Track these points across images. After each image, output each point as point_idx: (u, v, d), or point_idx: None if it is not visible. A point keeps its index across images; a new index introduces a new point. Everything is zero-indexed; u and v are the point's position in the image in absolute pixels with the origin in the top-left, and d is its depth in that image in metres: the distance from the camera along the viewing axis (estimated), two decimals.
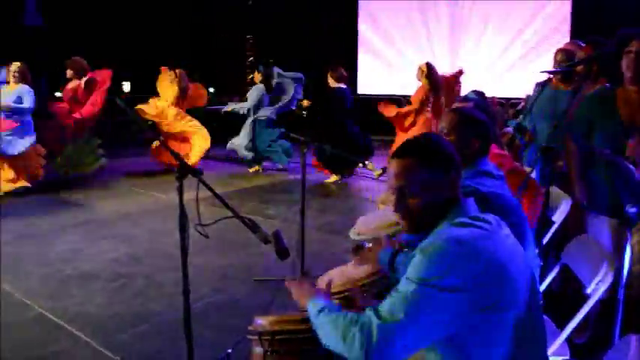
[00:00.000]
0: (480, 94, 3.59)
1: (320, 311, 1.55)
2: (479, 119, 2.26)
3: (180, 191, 2.04)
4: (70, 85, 7.61)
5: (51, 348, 3.21)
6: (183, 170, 2.05)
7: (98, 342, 3.26)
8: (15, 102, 6.61)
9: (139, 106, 7.93)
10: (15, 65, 6.86)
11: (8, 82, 6.76)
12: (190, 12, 12.50)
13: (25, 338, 3.33)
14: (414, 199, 1.54)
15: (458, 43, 11.34)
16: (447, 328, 1.39)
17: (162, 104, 8.06)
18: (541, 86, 3.86)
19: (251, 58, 12.96)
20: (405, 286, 1.40)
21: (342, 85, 7.75)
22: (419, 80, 7.14)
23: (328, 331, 1.48)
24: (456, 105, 3.16)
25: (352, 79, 12.87)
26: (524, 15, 10.61)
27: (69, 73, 7.60)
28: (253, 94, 8.25)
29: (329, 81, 7.78)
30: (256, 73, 8.51)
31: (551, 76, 3.75)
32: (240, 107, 8.29)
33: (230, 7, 12.27)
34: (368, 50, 12.62)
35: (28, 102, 6.66)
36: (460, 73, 7.47)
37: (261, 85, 8.31)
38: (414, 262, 1.43)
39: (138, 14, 11.39)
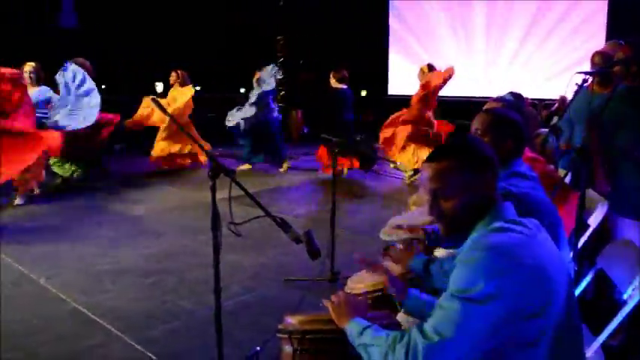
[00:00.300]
0: (516, 96, 3.53)
1: (362, 332, 1.55)
2: (513, 120, 2.23)
3: (213, 190, 2.07)
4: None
5: (85, 342, 3.28)
6: (217, 169, 2.07)
7: (130, 337, 3.31)
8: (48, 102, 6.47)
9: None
10: (29, 65, 6.46)
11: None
12: (222, 13, 12.61)
13: (59, 332, 3.41)
14: (449, 201, 1.52)
15: (491, 43, 11.18)
16: (493, 339, 1.37)
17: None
18: (578, 87, 3.79)
19: (282, 59, 13.01)
20: (448, 302, 1.39)
21: (344, 86, 7.90)
22: (420, 81, 7.53)
23: (372, 352, 1.49)
24: (489, 105, 3.13)
25: (383, 80, 12.84)
26: (560, 13, 10.40)
27: None
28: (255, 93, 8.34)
29: (331, 82, 7.89)
30: (256, 72, 8.54)
31: (588, 77, 3.67)
32: (244, 113, 8.30)
33: (261, 7, 12.34)
34: (399, 50, 12.55)
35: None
36: (450, 74, 7.62)
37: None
38: (454, 275, 1.42)
39: (170, 15, 11.55)
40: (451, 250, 2.20)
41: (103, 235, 5.29)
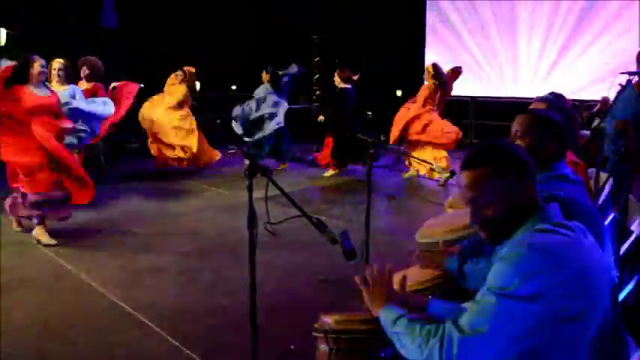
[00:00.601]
0: (557, 96, 3.46)
1: (395, 321, 1.54)
2: (555, 121, 2.18)
3: (250, 189, 2.08)
4: (82, 86, 6.30)
5: (122, 336, 3.35)
6: (254, 169, 2.08)
7: (167, 332, 3.37)
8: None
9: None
10: (58, 62, 5.84)
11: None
12: (257, 12, 12.71)
13: (98, 325, 3.49)
14: (490, 209, 1.50)
15: (532, 43, 10.97)
16: (529, 339, 1.35)
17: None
18: (622, 87, 3.69)
19: (317, 58, 13.03)
20: (485, 298, 1.37)
21: (349, 86, 7.97)
22: (426, 80, 7.77)
23: (405, 341, 1.48)
24: (533, 106, 3.07)
25: (419, 80, 12.75)
26: (605, 15, 10.14)
27: (84, 71, 6.56)
28: (260, 91, 8.44)
29: (336, 81, 7.91)
30: (264, 72, 8.59)
31: (633, 77, 3.58)
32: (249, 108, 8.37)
33: (296, 7, 12.38)
34: (436, 50, 12.43)
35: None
36: (459, 72, 7.98)
37: (268, 84, 8.46)
38: (494, 271, 1.40)
39: (207, 15, 11.68)
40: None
41: (141, 232, 5.39)
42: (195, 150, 7.95)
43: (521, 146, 1.62)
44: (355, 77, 8.09)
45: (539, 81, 10.74)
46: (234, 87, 12.07)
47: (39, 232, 5.00)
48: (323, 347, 1.93)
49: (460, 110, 12.23)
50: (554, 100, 3.30)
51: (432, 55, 12.50)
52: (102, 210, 6.17)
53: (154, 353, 3.16)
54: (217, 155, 8.44)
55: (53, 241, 4.97)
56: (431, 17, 12.43)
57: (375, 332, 1.86)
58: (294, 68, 8.53)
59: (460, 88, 12.05)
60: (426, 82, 7.79)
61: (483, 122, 11.85)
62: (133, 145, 9.69)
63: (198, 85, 9.30)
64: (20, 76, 4.85)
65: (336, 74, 8.03)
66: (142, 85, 6.89)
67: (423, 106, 7.71)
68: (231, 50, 11.48)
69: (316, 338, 1.99)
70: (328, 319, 1.96)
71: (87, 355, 3.12)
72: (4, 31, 12.47)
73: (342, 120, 7.93)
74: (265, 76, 8.54)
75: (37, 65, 4.92)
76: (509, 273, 1.35)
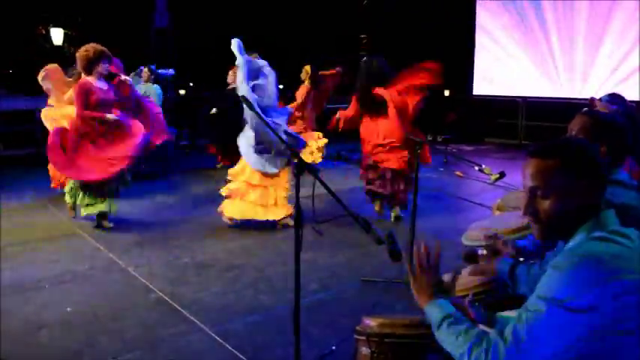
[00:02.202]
0: (617, 97, 3.31)
1: (443, 319, 1.50)
2: (615, 124, 2.08)
3: (297, 187, 2.07)
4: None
5: (167, 330, 3.40)
6: (301, 167, 2.07)
7: (211, 328, 3.41)
8: None
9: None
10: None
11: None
12: (305, 12, 12.75)
13: (144, 319, 3.56)
14: (546, 202, 1.43)
15: (588, 43, 10.62)
16: (578, 350, 1.30)
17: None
18: None
19: (365, 57, 12.98)
20: (536, 306, 1.33)
21: None
22: (303, 80, 8.21)
23: (451, 343, 1.44)
24: (599, 108, 2.95)
25: (468, 79, 12.53)
26: None
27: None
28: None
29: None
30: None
31: None
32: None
33: (344, 6, 12.37)
34: (486, 49, 12.20)
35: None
36: (338, 72, 8.46)
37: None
38: (546, 280, 1.35)
39: (254, 14, 11.79)
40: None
41: (187, 229, 5.48)
42: None
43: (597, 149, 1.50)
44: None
45: (591, 82, 10.40)
46: (281, 86, 12.15)
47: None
48: (365, 350, 1.91)
49: (510, 111, 11.97)
50: (618, 101, 3.16)
51: (482, 55, 12.29)
52: (150, 207, 6.30)
53: (197, 348, 3.20)
54: None
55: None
56: (481, 17, 12.20)
57: (419, 337, 1.83)
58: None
59: (510, 89, 11.84)
60: (305, 83, 8.20)
61: (534, 123, 11.57)
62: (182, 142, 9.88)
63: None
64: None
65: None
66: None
67: (302, 106, 8.12)
68: (279, 48, 11.55)
69: (357, 340, 1.97)
70: (371, 322, 1.94)
71: (133, 347, 3.19)
72: (60, 31, 12.96)
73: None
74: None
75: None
76: (562, 282, 1.30)
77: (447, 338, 1.46)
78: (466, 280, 2.28)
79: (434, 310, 1.55)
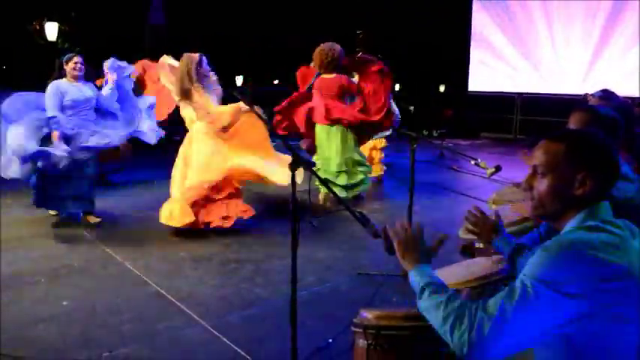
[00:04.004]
0: (609, 93, 3.33)
1: (424, 288, 1.49)
2: (611, 118, 2.10)
3: (293, 181, 2.08)
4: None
5: (164, 324, 3.41)
6: (297, 162, 2.08)
7: (208, 322, 3.41)
8: None
9: None
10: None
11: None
12: (301, 8, 12.72)
13: (141, 312, 3.57)
14: (543, 181, 1.48)
15: (587, 38, 10.65)
16: (566, 333, 1.32)
17: None
18: None
19: (360, 54, 12.96)
20: (524, 285, 1.33)
21: None
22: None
23: (432, 315, 1.43)
24: (592, 102, 2.97)
25: (463, 76, 12.56)
26: None
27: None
28: None
29: None
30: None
31: None
32: None
33: (340, 2, 12.36)
34: (481, 45, 12.22)
35: None
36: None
37: None
38: (533, 260, 1.36)
39: (249, 11, 11.76)
40: None
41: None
42: None
43: (613, 145, 1.51)
44: None
45: (586, 78, 10.43)
46: (276, 82, 12.17)
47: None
48: (361, 342, 1.91)
49: (506, 106, 12.01)
50: (611, 97, 3.18)
51: (477, 52, 12.31)
52: (147, 200, 6.30)
53: (194, 342, 3.20)
54: None
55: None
56: (477, 13, 12.21)
57: (416, 329, 1.84)
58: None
59: (506, 85, 11.87)
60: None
61: (528, 118, 11.61)
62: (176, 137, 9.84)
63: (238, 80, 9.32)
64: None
65: None
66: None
67: None
68: (272, 45, 11.54)
69: (354, 333, 1.98)
70: (368, 314, 1.94)
71: (130, 341, 3.19)
72: (55, 25, 12.91)
73: None
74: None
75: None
76: (551, 265, 1.32)
77: (429, 309, 1.45)
78: (463, 273, 2.30)
79: (416, 278, 1.55)
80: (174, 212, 4.93)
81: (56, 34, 13.02)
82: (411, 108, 11.50)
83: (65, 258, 4.52)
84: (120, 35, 10.59)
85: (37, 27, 13.57)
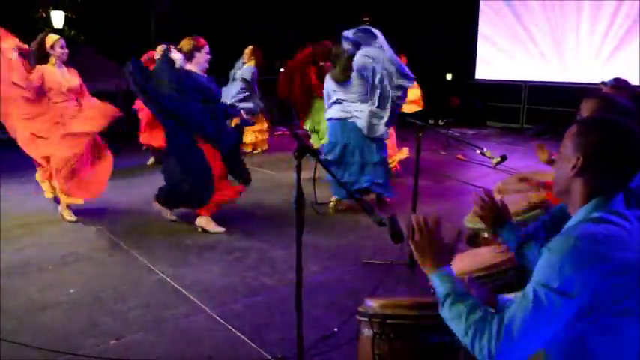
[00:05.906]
0: (622, 81, 3.29)
1: (445, 297, 1.49)
2: (623, 106, 2.08)
3: (299, 170, 2.07)
4: None
5: (170, 311, 3.43)
6: (302, 150, 2.07)
7: (213, 309, 3.43)
8: None
9: None
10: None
11: None
12: None
13: (147, 300, 3.59)
14: (563, 163, 1.50)
15: (597, 27, 10.53)
16: (571, 329, 1.33)
17: None
18: None
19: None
20: (531, 293, 1.34)
21: None
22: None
23: (455, 322, 1.44)
24: (605, 90, 2.94)
25: (470, 63, 12.47)
26: None
27: None
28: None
29: None
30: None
31: None
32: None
33: None
34: (489, 33, 12.12)
35: None
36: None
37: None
38: (540, 264, 1.36)
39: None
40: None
41: (189, 211, 5.47)
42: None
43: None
44: None
45: (594, 66, 10.34)
46: (282, 69, 12.12)
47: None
48: (367, 331, 1.92)
49: (512, 94, 11.93)
50: (625, 85, 3.15)
51: (484, 39, 12.22)
52: (154, 188, 6.30)
53: (199, 329, 3.22)
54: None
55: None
56: (484, 1, 12.11)
57: (421, 318, 1.84)
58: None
59: (512, 73, 11.78)
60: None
61: (535, 107, 11.54)
62: None
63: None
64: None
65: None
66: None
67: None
68: (272, 30, 11.47)
69: (360, 322, 1.98)
70: (373, 303, 1.94)
71: (136, 328, 3.21)
72: (61, 13, 12.88)
73: None
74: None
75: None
76: (554, 267, 1.32)
77: (450, 318, 1.46)
78: (468, 262, 2.30)
79: (436, 284, 1.54)
80: None
81: (62, 22, 13.01)
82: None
83: (72, 246, 4.55)
84: (126, 23, 10.55)
85: (44, 15, 13.56)
